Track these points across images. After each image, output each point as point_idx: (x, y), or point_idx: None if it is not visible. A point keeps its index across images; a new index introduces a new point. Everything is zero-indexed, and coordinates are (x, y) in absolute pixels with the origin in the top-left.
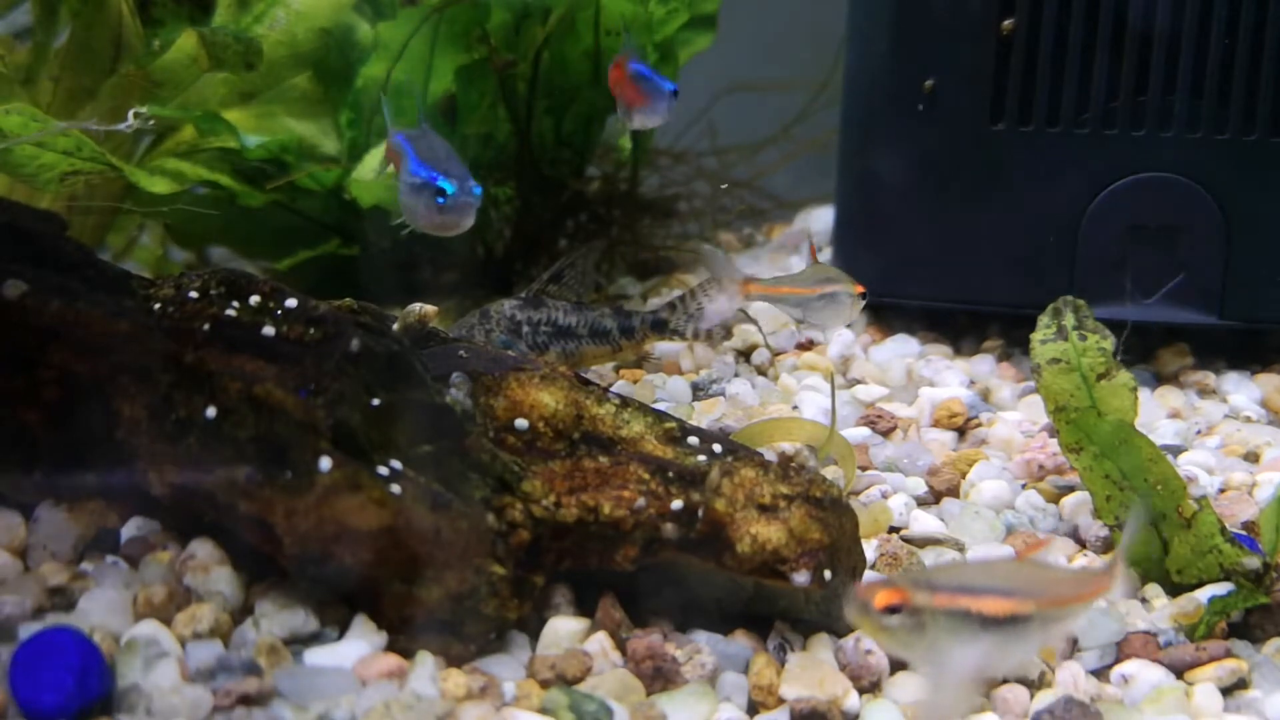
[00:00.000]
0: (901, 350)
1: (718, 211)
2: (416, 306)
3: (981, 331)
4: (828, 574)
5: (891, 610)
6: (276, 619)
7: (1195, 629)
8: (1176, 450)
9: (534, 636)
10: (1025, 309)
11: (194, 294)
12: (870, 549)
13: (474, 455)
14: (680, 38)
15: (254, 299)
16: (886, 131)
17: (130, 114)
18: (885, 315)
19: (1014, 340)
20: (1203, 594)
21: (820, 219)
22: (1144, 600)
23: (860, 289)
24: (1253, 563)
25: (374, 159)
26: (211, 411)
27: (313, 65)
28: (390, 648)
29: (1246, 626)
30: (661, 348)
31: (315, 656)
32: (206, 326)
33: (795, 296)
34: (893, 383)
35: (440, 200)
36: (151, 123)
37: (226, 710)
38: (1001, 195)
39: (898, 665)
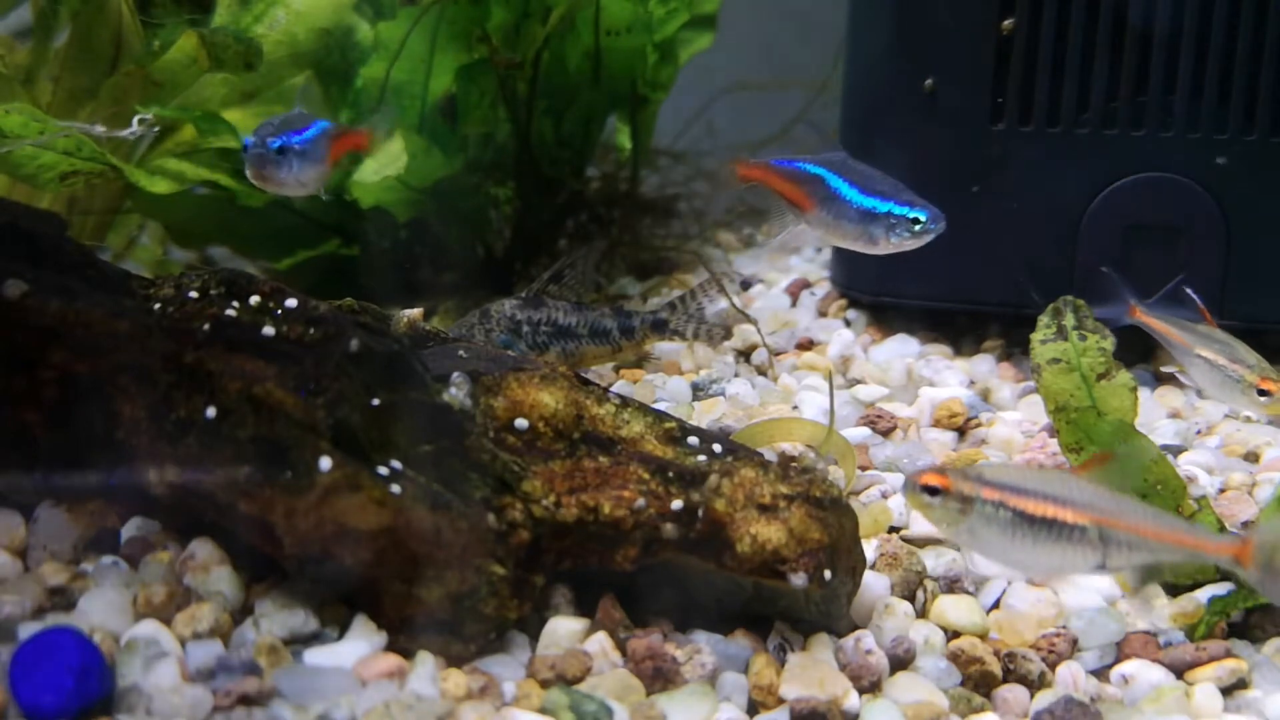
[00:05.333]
0: (901, 350)
1: (718, 211)
2: (404, 314)
3: (981, 331)
4: (827, 574)
5: (931, 491)
6: (276, 619)
7: (1195, 629)
8: (1176, 450)
9: (534, 636)
10: (1025, 309)
11: (194, 294)
12: (870, 549)
13: (474, 455)
14: (680, 38)
15: (254, 299)
16: (886, 131)
17: (135, 120)
18: (885, 315)
19: (1014, 340)
20: (1203, 594)
21: None
22: (1144, 600)
23: (1268, 384)
24: None
25: (375, 159)
26: (211, 411)
27: (313, 65)
28: (390, 648)
29: (1246, 626)
30: (661, 348)
31: (315, 656)
32: (206, 326)
33: (1177, 344)
34: (893, 383)
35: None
36: (156, 130)
37: (226, 710)
38: (1001, 195)
39: (898, 665)
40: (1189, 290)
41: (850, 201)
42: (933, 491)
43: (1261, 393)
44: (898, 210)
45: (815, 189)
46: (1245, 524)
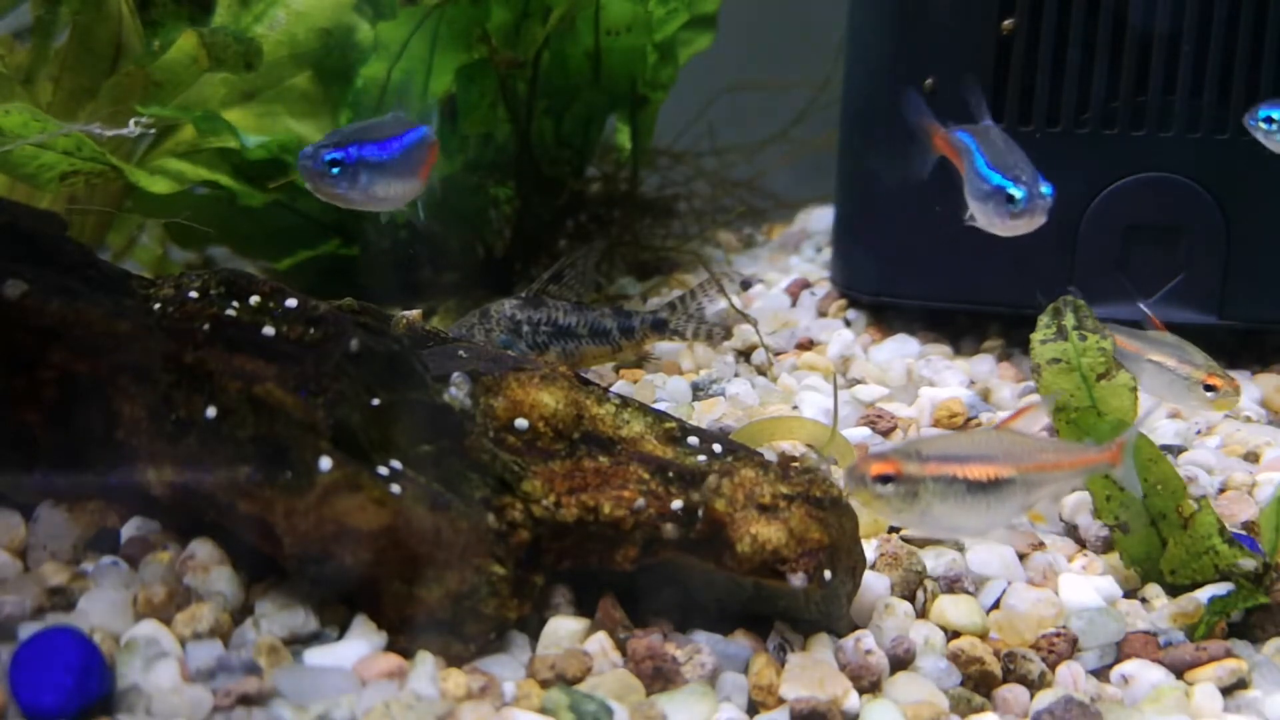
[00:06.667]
0: (901, 350)
1: (718, 211)
2: (403, 315)
3: (981, 331)
4: (827, 574)
5: (884, 480)
6: (276, 619)
7: (1195, 629)
8: (1176, 450)
9: (534, 636)
10: (1025, 309)
11: (194, 294)
12: (870, 549)
13: (474, 455)
14: (680, 38)
15: (254, 299)
16: (886, 131)
17: (132, 122)
18: (885, 315)
19: (1014, 340)
20: (1203, 594)
21: (820, 219)
22: (1144, 600)
23: (1213, 380)
24: (1248, 563)
25: None
26: (211, 411)
27: (313, 65)
28: (390, 648)
29: (1246, 626)
30: (661, 348)
31: (315, 656)
32: (206, 326)
33: (1129, 352)
34: (893, 383)
35: (1011, 206)
36: (153, 131)
37: (226, 710)
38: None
39: (898, 665)
40: (1144, 305)
41: (979, 173)
42: (885, 480)
43: (1208, 388)
44: (1007, 186)
45: (964, 159)
46: (1246, 524)
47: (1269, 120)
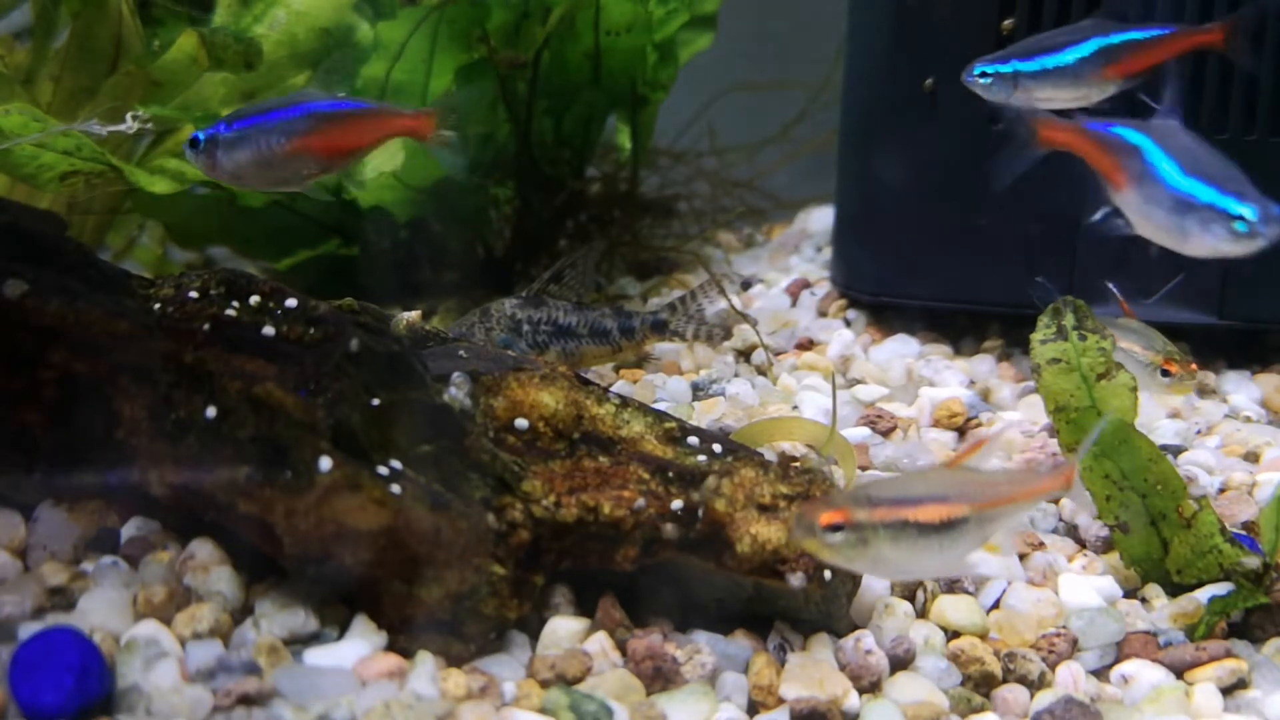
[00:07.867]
0: (901, 350)
1: (718, 211)
2: (402, 316)
3: (981, 331)
4: (827, 574)
5: (834, 529)
6: (276, 619)
7: (1195, 629)
8: (1176, 450)
9: (534, 636)
10: (1025, 309)
11: (194, 294)
12: None
13: (474, 455)
14: (680, 38)
15: (254, 299)
16: (886, 131)
17: (129, 116)
18: (885, 315)
19: (1014, 340)
20: (1203, 594)
21: (820, 219)
22: (1144, 600)
23: (1170, 365)
24: (1252, 562)
25: (374, 159)
26: (211, 411)
27: (313, 65)
28: (390, 648)
29: (1246, 626)
30: (661, 348)
31: (315, 656)
32: (206, 326)
33: None
34: (893, 383)
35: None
36: (149, 126)
37: (226, 710)
38: (1001, 195)
39: (898, 665)
40: (1112, 286)
41: (1165, 183)
42: (835, 528)
43: (1164, 373)
44: (1220, 203)
45: (1131, 163)
46: (1246, 524)
47: (983, 75)
